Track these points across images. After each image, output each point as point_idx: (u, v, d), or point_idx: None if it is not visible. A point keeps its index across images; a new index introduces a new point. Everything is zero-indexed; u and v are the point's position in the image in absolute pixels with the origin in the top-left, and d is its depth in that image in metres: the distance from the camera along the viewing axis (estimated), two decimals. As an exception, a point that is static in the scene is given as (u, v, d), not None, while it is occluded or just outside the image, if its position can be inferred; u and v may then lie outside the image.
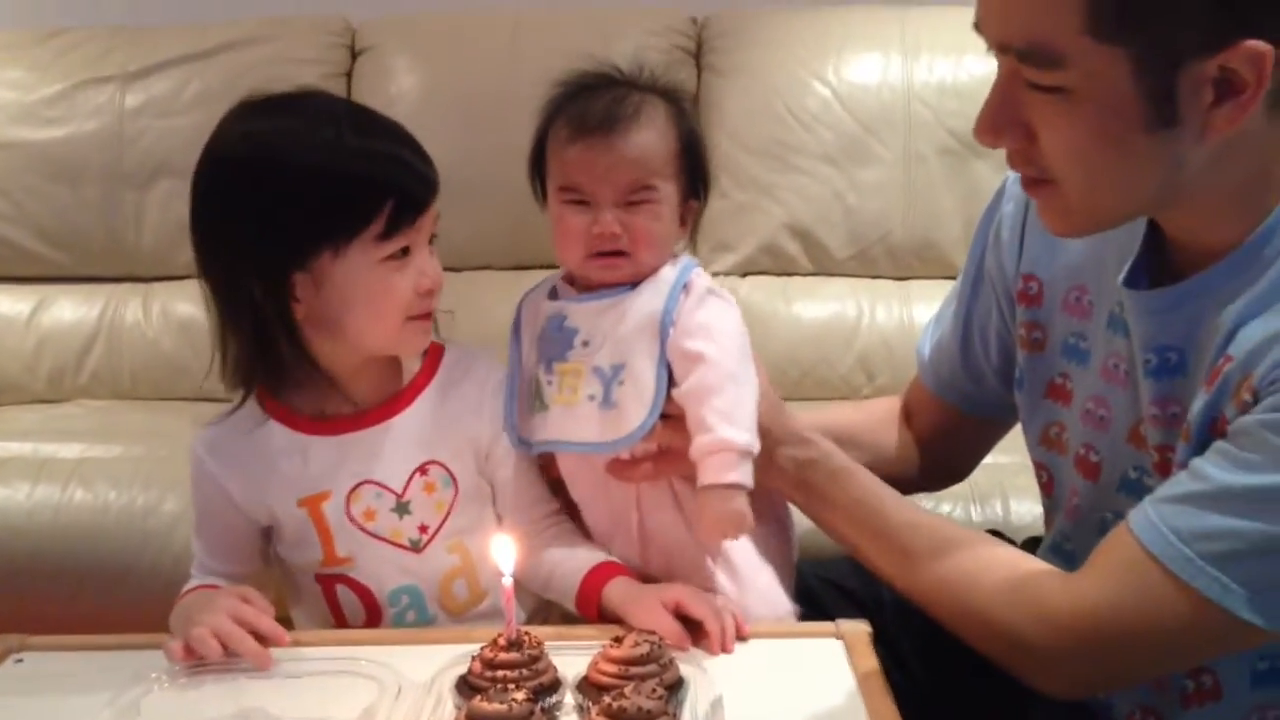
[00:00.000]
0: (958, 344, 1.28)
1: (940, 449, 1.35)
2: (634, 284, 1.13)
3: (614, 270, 1.13)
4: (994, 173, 2.34)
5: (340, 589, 1.16)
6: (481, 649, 0.93)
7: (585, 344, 1.13)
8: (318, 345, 1.12)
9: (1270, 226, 0.95)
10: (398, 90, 2.42)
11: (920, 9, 2.38)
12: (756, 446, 1.07)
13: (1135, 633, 0.95)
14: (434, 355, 1.19)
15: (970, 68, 2.33)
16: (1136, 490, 1.06)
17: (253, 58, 2.47)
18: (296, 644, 1.07)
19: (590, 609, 1.11)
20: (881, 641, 1.10)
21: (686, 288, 1.12)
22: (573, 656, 0.94)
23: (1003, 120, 0.96)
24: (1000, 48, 0.95)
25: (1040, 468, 1.21)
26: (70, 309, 2.44)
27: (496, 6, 2.54)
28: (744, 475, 1.06)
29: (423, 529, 1.15)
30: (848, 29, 2.39)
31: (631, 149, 1.11)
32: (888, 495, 1.12)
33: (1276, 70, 0.88)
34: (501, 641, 0.92)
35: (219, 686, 0.98)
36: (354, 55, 2.52)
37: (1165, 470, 1.02)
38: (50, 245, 2.45)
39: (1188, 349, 0.99)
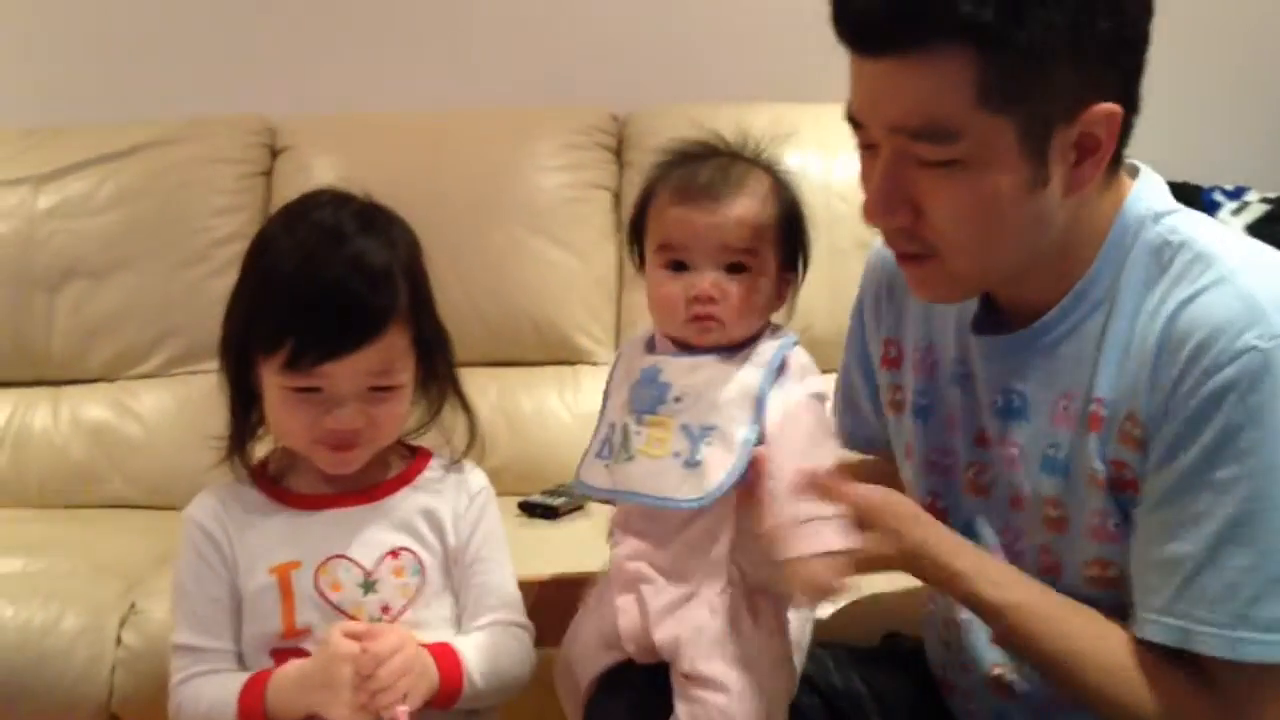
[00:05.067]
0: (870, 404, 1.32)
1: None
2: (730, 350, 1.14)
3: (707, 333, 1.14)
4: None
5: (293, 663, 1.14)
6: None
7: (677, 400, 1.13)
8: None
9: (1089, 280, 1.06)
10: (318, 190, 2.41)
11: (836, 105, 2.43)
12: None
13: None
14: (424, 457, 1.25)
15: (886, 163, 2.37)
16: (975, 539, 1.13)
17: (171, 158, 2.45)
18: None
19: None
20: None
21: (783, 366, 1.13)
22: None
23: (893, 200, 1.03)
24: (891, 129, 1.01)
25: None
26: (-25, 414, 2.36)
27: (418, 106, 2.55)
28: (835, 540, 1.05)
29: (385, 609, 1.17)
30: (766, 126, 2.41)
31: (733, 212, 1.13)
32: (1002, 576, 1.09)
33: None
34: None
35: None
36: (274, 154, 2.50)
37: (1019, 505, 1.10)
38: (-45, 349, 2.37)
39: (1031, 390, 1.09)
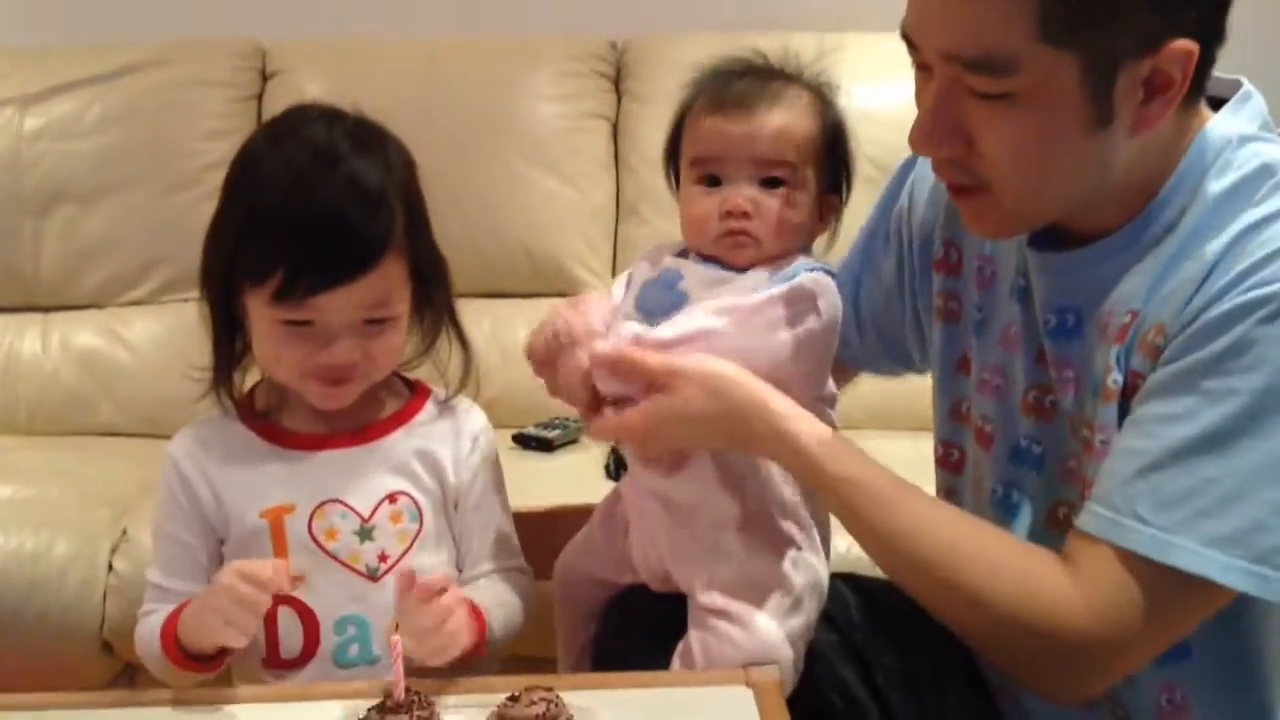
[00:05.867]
0: (849, 299, 1.26)
1: None
2: (756, 269, 1.09)
3: (740, 249, 1.08)
4: (914, 200, 2.35)
5: (282, 613, 1.10)
6: (369, 710, 0.87)
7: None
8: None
9: (1159, 202, 1.00)
10: (309, 115, 2.37)
11: (838, 35, 2.37)
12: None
13: (1143, 634, 0.95)
14: (421, 394, 1.19)
15: (890, 94, 2.31)
16: (1027, 459, 1.09)
17: (159, 79, 2.41)
18: (181, 702, 1.01)
19: None
20: (855, 661, 1.12)
21: (789, 281, 1.07)
22: (470, 712, 0.89)
23: (942, 130, 0.97)
24: (945, 57, 0.96)
25: (949, 446, 1.19)
26: (-37, 340, 2.33)
27: (411, 31, 2.50)
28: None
29: (383, 558, 1.12)
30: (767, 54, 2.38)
31: (769, 122, 1.07)
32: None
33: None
34: (390, 703, 0.87)
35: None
36: (265, 78, 2.46)
37: (1075, 431, 1.04)
38: (-59, 274, 2.34)
39: (1085, 310, 1.03)
